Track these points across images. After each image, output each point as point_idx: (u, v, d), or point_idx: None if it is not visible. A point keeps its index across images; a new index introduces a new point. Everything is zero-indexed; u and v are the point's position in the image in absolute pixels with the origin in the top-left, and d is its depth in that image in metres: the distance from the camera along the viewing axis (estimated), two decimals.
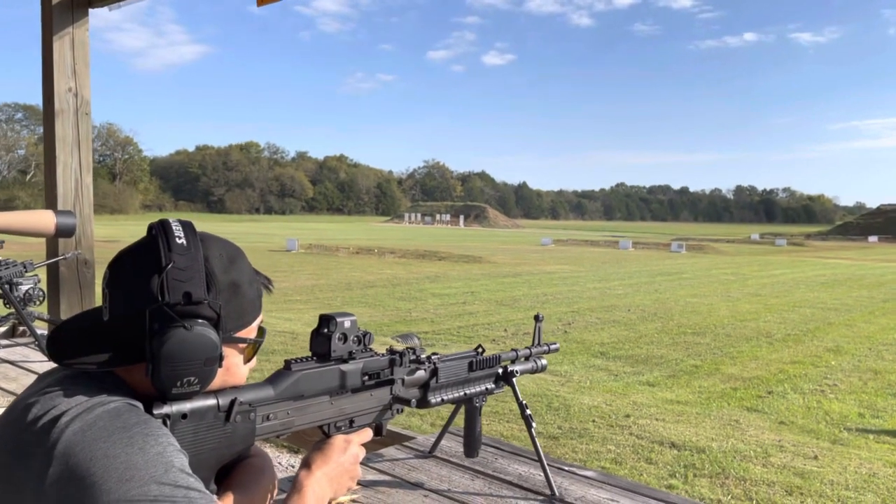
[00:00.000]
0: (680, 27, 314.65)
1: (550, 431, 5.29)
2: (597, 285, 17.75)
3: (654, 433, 5.31)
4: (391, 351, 1.36)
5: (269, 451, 4.31)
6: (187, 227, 1.00)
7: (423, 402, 1.46)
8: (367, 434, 1.29)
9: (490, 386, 1.62)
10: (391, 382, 1.35)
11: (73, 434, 0.85)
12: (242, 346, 1.08)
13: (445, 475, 1.70)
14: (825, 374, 8.04)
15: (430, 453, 1.82)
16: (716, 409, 6.36)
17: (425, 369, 1.46)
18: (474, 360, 1.58)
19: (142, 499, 0.81)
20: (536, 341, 1.76)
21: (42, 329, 3.25)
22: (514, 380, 1.62)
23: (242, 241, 35.29)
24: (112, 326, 0.97)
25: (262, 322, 1.12)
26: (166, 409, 0.97)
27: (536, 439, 1.57)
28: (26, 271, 2.86)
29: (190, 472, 0.89)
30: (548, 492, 1.55)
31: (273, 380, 1.16)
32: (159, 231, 0.98)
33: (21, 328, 3.51)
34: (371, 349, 1.30)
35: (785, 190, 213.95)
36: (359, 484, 1.60)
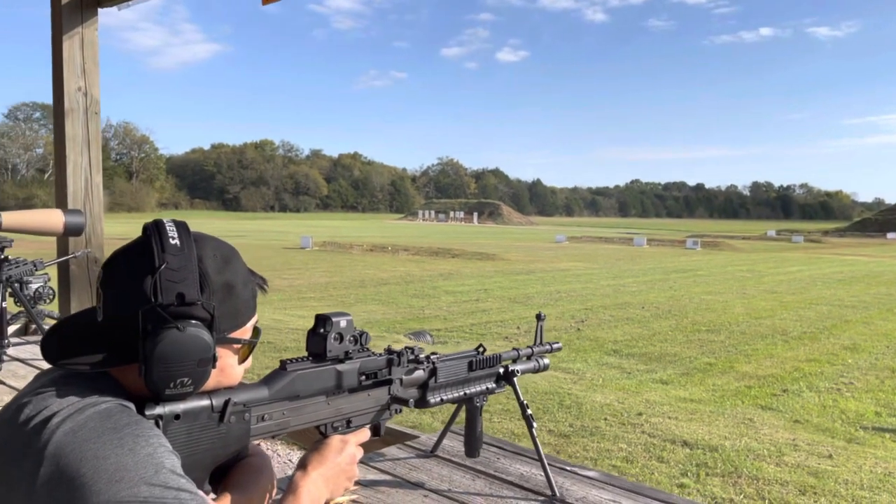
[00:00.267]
0: (695, 22, 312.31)
1: (562, 429, 5.27)
2: (610, 282, 17.67)
3: (666, 431, 5.28)
4: (389, 351, 1.36)
5: (264, 444, 4.32)
6: (181, 227, 1.00)
7: (421, 402, 1.45)
8: (365, 434, 1.28)
9: (491, 386, 1.60)
10: (389, 382, 1.34)
11: (64, 435, 0.85)
12: (237, 346, 1.07)
13: (446, 475, 1.69)
14: (841, 372, 7.95)
15: (431, 453, 1.81)
16: (730, 408, 6.31)
17: (424, 369, 1.45)
18: (474, 359, 1.57)
19: (132, 500, 0.81)
20: (538, 340, 1.74)
21: None
22: (515, 379, 1.61)
23: (257, 238, 35.56)
24: (106, 327, 0.97)
25: (256, 322, 1.12)
26: (159, 410, 0.97)
27: (537, 439, 1.56)
28: (36, 270, 2.88)
29: (181, 473, 0.89)
30: (549, 492, 1.54)
31: (268, 380, 1.15)
32: (153, 231, 0.98)
33: (33, 326, 3.55)
34: (368, 349, 1.29)
35: (802, 186, 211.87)
36: (359, 483, 1.59)
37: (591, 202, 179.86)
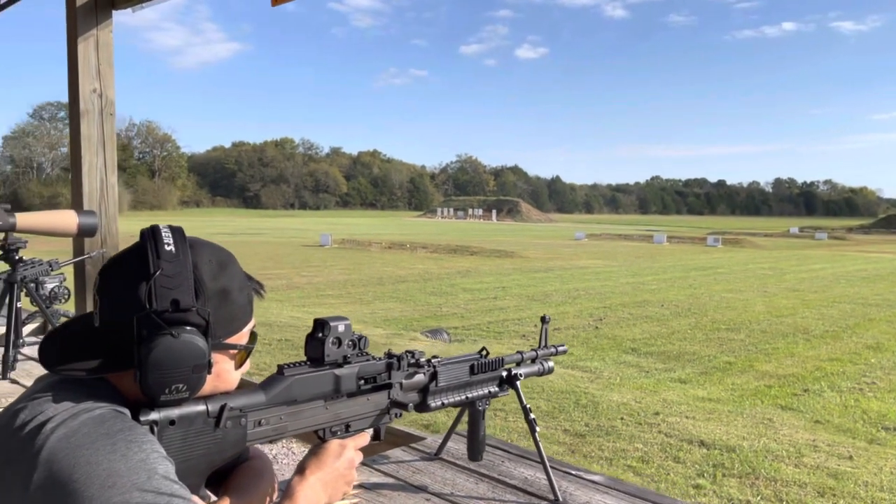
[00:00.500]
0: (716, 17, 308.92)
1: (577, 429, 5.24)
2: (630, 280, 17.55)
3: (683, 431, 5.23)
4: (389, 355, 1.35)
5: (275, 445, 4.34)
6: (177, 233, 1.00)
7: (422, 406, 1.45)
8: (364, 439, 1.28)
9: (493, 389, 1.59)
10: (389, 387, 1.34)
11: (57, 440, 0.86)
12: (233, 352, 1.07)
13: (450, 478, 1.69)
14: (864, 372, 7.83)
15: (436, 456, 1.80)
16: (749, 408, 6.24)
17: (424, 373, 1.44)
18: (476, 363, 1.56)
19: None
20: (543, 343, 1.73)
21: None
22: (518, 383, 1.60)
23: (276, 236, 35.79)
24: (102, 333, 0.98)
25: (254, 327, 1.12)
26: (154, 416, 0.98)
27: (540, 443, 1.55)
28: (52, 270, 2.92)
29: (174, 478, 0.89)
30: (552, 497, 1.53)
31: (265, 385, 1.16)
32: (149, 238, 0.98)
33: (49, 327, 3.59)
34: (367, 353, 1.29)
35: (826, 182, 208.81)
36: (361, 486, 1.59)
37: (611, 199, 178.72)
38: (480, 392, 1.57)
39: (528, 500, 1.55)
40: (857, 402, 6.56)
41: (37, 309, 3.08)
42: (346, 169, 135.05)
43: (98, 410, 0.91)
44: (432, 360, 1.47)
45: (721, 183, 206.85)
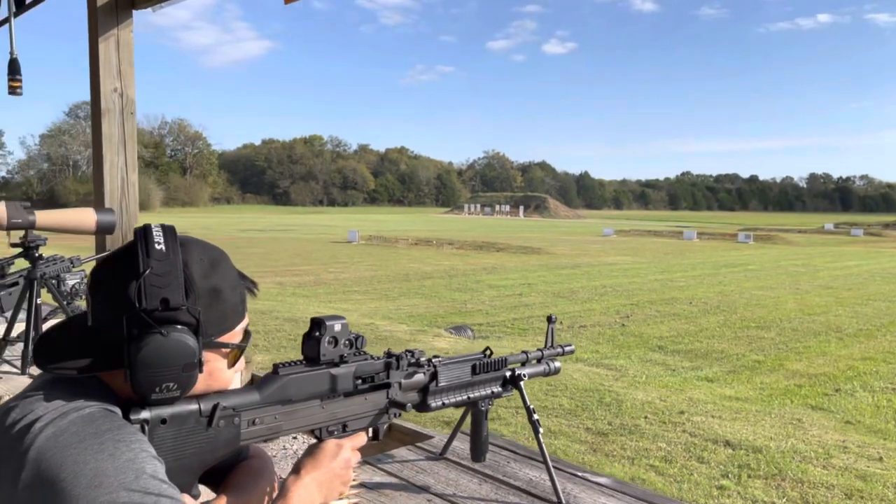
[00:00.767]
0: (749, 10, 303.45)
1: (600, 427, 5.19)
2: (658, 277, 17.36)
3: (708, 431, 5.15)
4: (388, 354, 1.34)
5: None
6: (168, 232, 1.00)
7: (422, 406, 1.43)
8: (361, 438, 1.27)
9: (496, 389, 1.57)
10: (387, 386, 1.33)
11: (46, 439, 0.86)
12: (226, 351, 1.07)
13: (453, 479, 1.67)
14: None
15: (440, 455, 1.79)
16: (777, 407, 6.13)
17: (424, 373, 1.42)
18: (478, 363, 1.54)
19: None
20: (549, 343, 1.70)
21: None
22: (521, 383, 1.57)
23: (305, 232, 36.07)
24: (94, 331, 0.98)
25: (247, 326, 1.12)
26: (145, 415, 0.98)
27: (544, 445, 1.52)
28: (73, 267, 2.98)
29: (163, 478, 0.89)
30: (555, 499, 1.51)
31: (260, 384, 1.15)
32: (139, 237, 0.98)
33: None
34: (365, 352, 1.28)
35: (862, 177, 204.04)
36: (363, 486, 1.59)
37: (641, 195, 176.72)
38: (483, 392, 1.55)
39: (530, 502, 1.53)
40: (889, 403, 6.41)
41: (58, 305, 3.14)
42: (373, 166, 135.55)
43: (87, 409, 0.91)
44: (433, 360, 1.45)
45: (753, 178, 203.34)
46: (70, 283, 2.99)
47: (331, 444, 1.21)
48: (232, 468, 1.22)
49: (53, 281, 2.85)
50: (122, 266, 0.97)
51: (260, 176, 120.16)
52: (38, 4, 3.10)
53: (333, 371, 1.22)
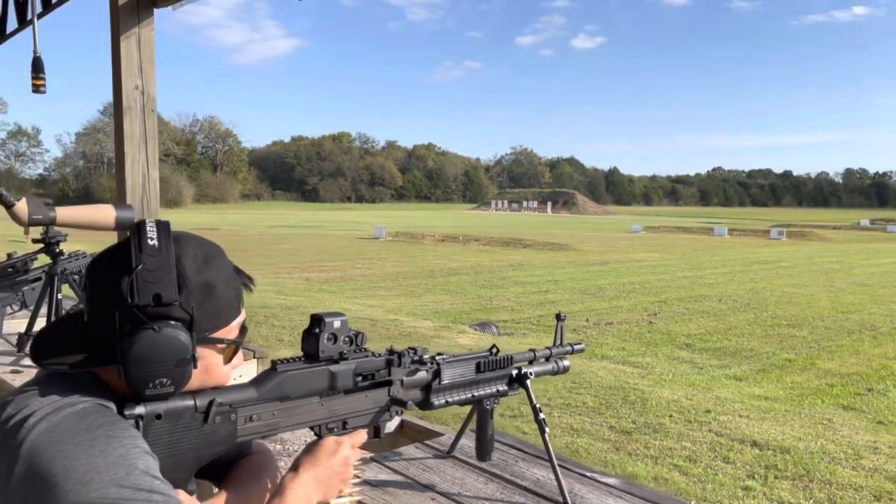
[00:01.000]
0: (783, 2, 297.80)
1: (623, 426, 5.14)
2: (687, 274, 17.15)
3: (735, 430, 5.07)
4: (390, 351, 1.33)
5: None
6: (162, 228, 1.00)
7: (425, 404, 1.42)
8: (361, 436, 1.26)
9: (502, 388, 1.55)
10: (389, 384, 1.32)
11: (38, 434, 0.86)
12: (221, 346, 1.07)
13: (459, 477, 1.65)
14: None
15: (448, 453, 1.77)
16: (807, 407, 6.01)
17: (427, 370, 1.41)
18: (483, 361, 1.53)
19: (101, 501, 0.82)
20: (558, 341, 1.67)
21: None
22: (528, 382, 1.55)
23: (333, 229, 36.31)
24: (89, 327, 0.99)
25: (244, 321, 1.11)
26: (139, 410, 0.97)
27: (550, 444, 1.50)
28: None
29: (155, 474, 0.88)
30: (561, 499, 1.48)
31: (258, 381, 1.15)
32: (133, 232, 0.98)
33: None
34: (365, 349, 1.27)
35: None
36: (367, 483, 1.58)
37: (671, 191, 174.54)
38: (488, 391, 1.53)
39: (536, 502, 1.51)
40: None
41: (79, 301, 3.19)
42: (401, 162, 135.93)
43: (81, 405, 0.91)
44: (436, 358, 1.44)
45: (787, 174, 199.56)
46: None
47: (330, 441, 1.21)
48: (234, 464, 1.22)
49: (75, 276, 2.90)
50: (115, 262, 0.97)
51: (289, 173, 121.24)
52: (62, 5, 3.14)
53: (332, 368, 1.21)
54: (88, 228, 2.49)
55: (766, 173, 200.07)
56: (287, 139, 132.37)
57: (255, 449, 1.27)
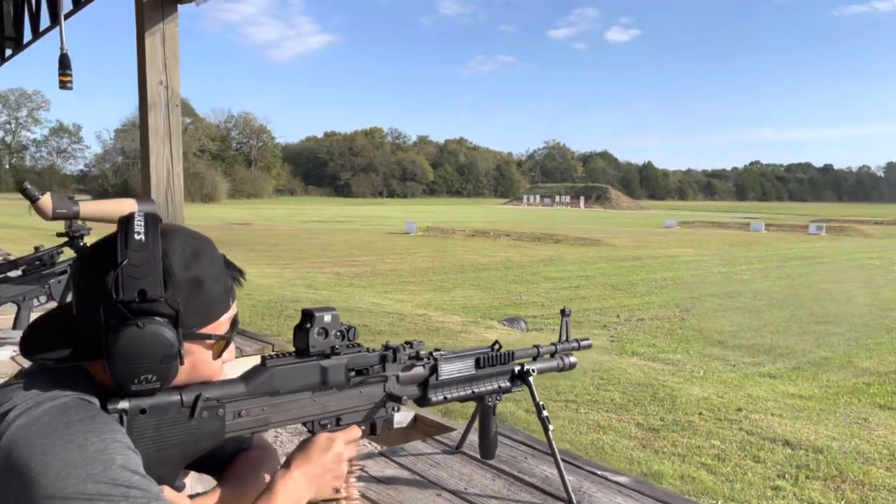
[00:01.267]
0: None
1: (651, 423, 5.07)
2: (721, 269, 16.86)
3: (766, 429, 4.97)
4: (385, 347, 1.32)
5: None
6: (150, 221, 0.99)
7: (423, 400, 1.40)
8: (355, 432, 1.24)
9: (504, 384, 1.52)
10: (383, 379, 1.30)
11: (18, 428, 0.87)
12: (210, 342, 1.06)
13: (466, 474, 1.64)
14: None
15: (457, 449, 1.76)
16: (843, 406, 5.86)
17: (424, 366, 1.39)
18: (482, 356, 1.50)
19: (77, 497, 0.82)
20: (564, 337, 1.64)
21: None
22: (530, 379, 1.52)
23: (364, 223, 36.51)
24: (76, 321, 0.98)
25: (235, 315, 1.10)
26: (122, 405, 0.97)
27: (554, 443, 1.47)
28: None
29: (135, 469, 0.88)
30: (566, 497, 1.46)
31: (247, 376, 1.14)
32: (120, 227, 0.98)
33: None
34: (358, 344, 1.26)
35: None
36: (374, 479, 1.57)
37: (706, 185, 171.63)
38: (489, 387, 1.51)
39: (542, 500, 1.48)
40: None
41: None
42: (432, 157, 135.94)
43: (62, 399, 0.91)
44: (433, 353, 1.42)
45: (827, 168, 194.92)
46: None
47: (322, 437, 1.19)
48: (234, 458, 1.22)
49: None
50: (102, 256, 0.97)
51: (322, 168, 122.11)
52: (89, 3, 3.20)
53: (323, 363, 1.20)
54: (111, 222, 2.52)
55: (806, 167, 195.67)
56: (320, 135, 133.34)
57: (255, 444, 1.26)
